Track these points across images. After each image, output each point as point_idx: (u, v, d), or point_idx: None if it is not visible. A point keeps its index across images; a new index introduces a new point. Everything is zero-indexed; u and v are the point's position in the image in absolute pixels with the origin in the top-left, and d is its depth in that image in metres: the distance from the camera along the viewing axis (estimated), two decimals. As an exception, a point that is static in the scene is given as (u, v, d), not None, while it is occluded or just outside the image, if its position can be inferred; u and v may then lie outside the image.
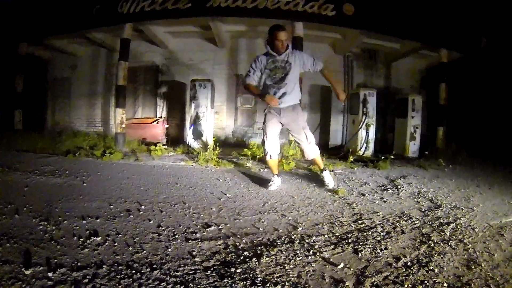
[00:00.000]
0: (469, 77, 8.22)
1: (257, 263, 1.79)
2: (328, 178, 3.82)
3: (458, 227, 2.54)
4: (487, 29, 7.67)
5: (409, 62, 9.27)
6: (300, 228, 2.42)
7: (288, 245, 2.08)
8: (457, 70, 7.89)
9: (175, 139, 8.27)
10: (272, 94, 3.42)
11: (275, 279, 1.63)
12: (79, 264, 1.67)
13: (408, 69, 9.54)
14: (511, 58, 7.54)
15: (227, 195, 3.36)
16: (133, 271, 1.62)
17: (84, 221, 2.31)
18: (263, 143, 3.68)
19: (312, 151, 3.66)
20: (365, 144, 7.00)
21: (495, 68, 7.86)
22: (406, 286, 1.60)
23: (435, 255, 1.97)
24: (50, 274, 1.54)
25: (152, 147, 6.00)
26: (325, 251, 2.00)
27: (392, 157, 6.05)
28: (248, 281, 1.58)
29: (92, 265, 1.67)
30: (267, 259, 1.85)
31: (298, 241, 2.15)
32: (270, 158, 3.66)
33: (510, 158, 6.27)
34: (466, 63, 8.00)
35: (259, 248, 2.01)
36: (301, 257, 1.89)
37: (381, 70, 9.46)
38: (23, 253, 1.75)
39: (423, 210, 3.01)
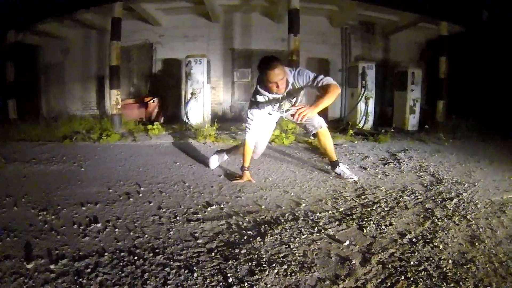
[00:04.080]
0: (469, 50, 8.06)
1: (261, 242, 1.77)
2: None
3: (461, 202, 2.51)
4: (488, 2, 7.44)
5: (408, 35, 9.05)
6: (304, 205, 2.40)
7: (292, 222, 2.05)
8: (457, 43, 7.71)
9: (172, 117, 8.17)
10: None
11: (281, 259, 1.60)
12: (80, 253, 1.63)
13: (407, 42, 9.34)
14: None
15: (228, 172, 3.33)
16: (136, 257, 1.59)
17: (84, 208, 2.26)
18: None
19: None
20: (364, 117, 6.96)
21: (496, 42, 7.69)
22: (412, 263, 1.58)
23: (439, 231, 1.95)
24: (52, 267, 1.50)
25: (149, 126, 5.91)
26: (330, 228, 1.98)
27: (392, 130, 6.00)
28: (254, 262, 1.56)
29: (94, 253, 1.62)
30: (271, 238, 1.82)
31: (302, 218, 2.13)
32: None
33: (510, 131, 6.24)
34: (466, 36, 7.82)
35: (263, 226, 1.98)
36: (306, 235, 1.87)
37: (379, 43, 9.26)
38: (23, 247, 1.70)
39: (425, 184, 2.99)
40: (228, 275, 1.45)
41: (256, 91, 2.89)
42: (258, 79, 2.87)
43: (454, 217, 2.19)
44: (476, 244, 1.81)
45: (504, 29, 7.50)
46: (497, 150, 4.87)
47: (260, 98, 2.87)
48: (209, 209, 2.29)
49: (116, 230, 1.91)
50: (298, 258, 1.62)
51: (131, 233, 1.87)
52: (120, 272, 1.46)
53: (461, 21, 7.40)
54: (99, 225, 1.97)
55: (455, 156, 4.31)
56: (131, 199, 2.46)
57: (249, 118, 2.97)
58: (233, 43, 8.73)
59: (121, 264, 1.53)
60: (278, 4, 7.18)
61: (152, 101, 7.95)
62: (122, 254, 1.62)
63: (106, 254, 1.62)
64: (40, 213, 2.15)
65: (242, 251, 1.67)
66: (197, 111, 6.64)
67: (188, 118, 6.59)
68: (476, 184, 3.04)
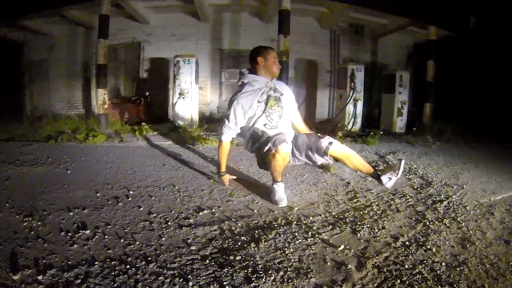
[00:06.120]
0: (456, 55, 8.27)
1: (256, 248, 1.74)
2: None
3: (450, 205, 2.55)
4: (475, 9, 7.63)
5: (396, 38, 9.22)
6: (296, 208, 2.38)
7: (285, 227, 2.03)
8: (444, 48, 7.89)
9: (159, 117, 8.07)
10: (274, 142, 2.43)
11: (277, 265, 1.58)
12: (69, 263, 1.55)
13: (395, 45, 9.51)
14: (498, 39, 7.59)
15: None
16: (128, 266, 1.53)
17: (71, 213, 2.17)
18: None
19: None
20: (352, 119, 7.02)
21: (482, 48, 7.91)
22: (406, 266, 1.59)
23: (431, 234, 1.98)
24: (40, 277, 1.42)
25: (137, 127, 5.82)
26: (323, 232, 1.97)
27: (381, 133, 6.07)
28: (249, 269, 1.53)
29: (84, 262, 1.55)
30: (265, 243, 1.80)
31: (295, 222, 2.11)
32: None
33: (493, 135, 6.41)
34: (453, 41, 8.01)
35: (256, 231, 1.95)
36: (300, 240, 1.85)
37: (367, 46, 9.38)
38: (9, 256, 1.60)
39: (415, 187, 3.02)
40: (224, 283, 1.41)
41: (242, 85, 2.66)
42: (248, 72, 2.67)
43: (444, 219, 2.22)
44: (467, 246, 1.83)
45: (489, 36, 7.71)
46: (481, 153, 4.99)
47: (246, 94, 2.59)
48: (200, 213, 2.24)
49: (106, 237, 1.84)
50: (294, 264, 1.60)
51: (122, 240, 1.80)
52: (112, 283, 1.40)
53: (449, 27, 7.55)
54: (87, 231, 1.89)
55: (442, 159, 4.38)
56: (120, 204, 2.39)
57: (229, 119, 2.67)
58: (221, 43, 8.68)
59: (113, 273, 1.47)
60: (268, 4, 7.17)
61: (139, 100, 7.82)
62: (113, 263, 1.56)
63: (96, 263, 1.55)
64: (25, 219, 2.04)
65: (237, 258, 1.63)
66: (185, 112, 6.58)
67: (176, 119, 6.51)
68: (464, 186, 3.10)
